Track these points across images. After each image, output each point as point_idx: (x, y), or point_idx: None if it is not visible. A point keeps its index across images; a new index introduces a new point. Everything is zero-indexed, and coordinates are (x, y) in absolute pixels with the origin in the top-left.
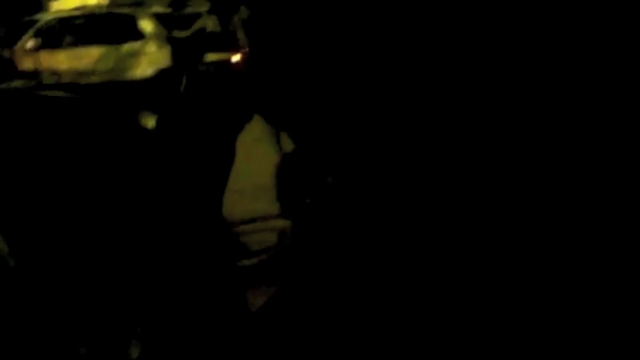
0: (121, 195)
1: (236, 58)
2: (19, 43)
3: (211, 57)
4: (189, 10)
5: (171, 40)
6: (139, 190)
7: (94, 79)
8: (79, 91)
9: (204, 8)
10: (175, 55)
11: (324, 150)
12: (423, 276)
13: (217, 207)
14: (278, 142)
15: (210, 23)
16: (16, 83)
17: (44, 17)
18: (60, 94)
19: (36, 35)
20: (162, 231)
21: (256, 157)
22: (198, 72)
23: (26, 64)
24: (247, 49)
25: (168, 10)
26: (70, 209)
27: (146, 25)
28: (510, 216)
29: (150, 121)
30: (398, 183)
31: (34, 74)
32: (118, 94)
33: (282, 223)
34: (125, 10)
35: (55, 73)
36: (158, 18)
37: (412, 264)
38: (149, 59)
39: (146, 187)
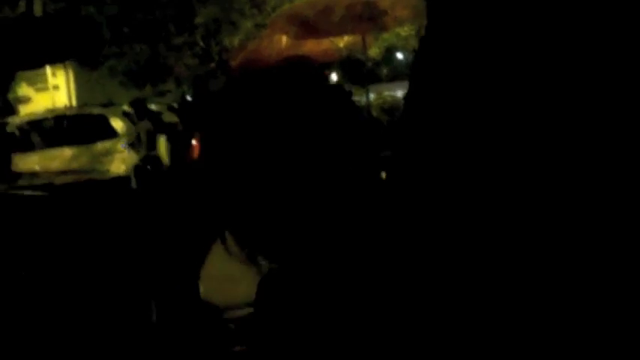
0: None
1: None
2: None
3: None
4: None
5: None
6: (118, 286)
7: (69, 178)
8: (55, 191)
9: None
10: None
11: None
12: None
13: (195, 296)
14: None
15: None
16: None
17: (15, 120)
18: (37, 193)
19: (6, 137)
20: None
21: (218, 285)
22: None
23: None
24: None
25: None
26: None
27: (118, 124)
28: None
29: (126, 215)
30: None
31: (9, 177)
32: (92, 192)
33: None
34: (96, 110)
35: (29, 174)
36: (127, 116)
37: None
38: (122, 157)
39: (125, 281)
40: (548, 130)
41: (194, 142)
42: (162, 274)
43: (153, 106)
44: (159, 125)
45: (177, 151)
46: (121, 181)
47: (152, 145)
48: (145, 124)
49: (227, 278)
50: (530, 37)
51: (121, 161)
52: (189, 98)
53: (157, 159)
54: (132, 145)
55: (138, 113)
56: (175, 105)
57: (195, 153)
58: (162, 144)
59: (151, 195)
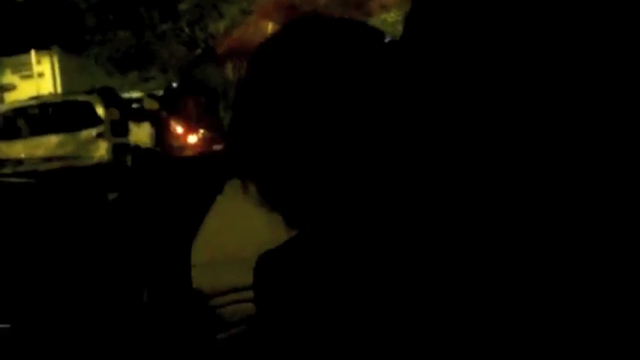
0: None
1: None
2: None
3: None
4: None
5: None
6: (105, 274)
7: (54, 165)
8: (40, 177)
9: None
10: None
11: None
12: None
13: (185, 281)
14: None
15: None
16: None
17: (0, 108)
18: (22, 180)
19: None
20: (126, 314)
21: (228, 225)
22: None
23: None
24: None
25: (124, 94)
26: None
27: (100, 110)
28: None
29: (110, 199)
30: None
31: None
32: (78, 178)
33: None
34: (81, 98)
35: (14, 161)
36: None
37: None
38: (108, 144)
39: (111, 268)
40: (541, 126)
41: (178, 128)
42: (155, 259)
43: (136, 93)
44: (134, 113)
45: (159, 136)
46: (106, 167)
47: (119, 132)
48: (111, 113)
49: (240, 216)
50: (516, 20)
51: (106, 148)
52: (174, 85)
53: (127, 146)
54: (100, 135)
55: (105, 102)
56: (158, 92)
57: (179, 139)
58: (145, 130)
59: (144, 177)
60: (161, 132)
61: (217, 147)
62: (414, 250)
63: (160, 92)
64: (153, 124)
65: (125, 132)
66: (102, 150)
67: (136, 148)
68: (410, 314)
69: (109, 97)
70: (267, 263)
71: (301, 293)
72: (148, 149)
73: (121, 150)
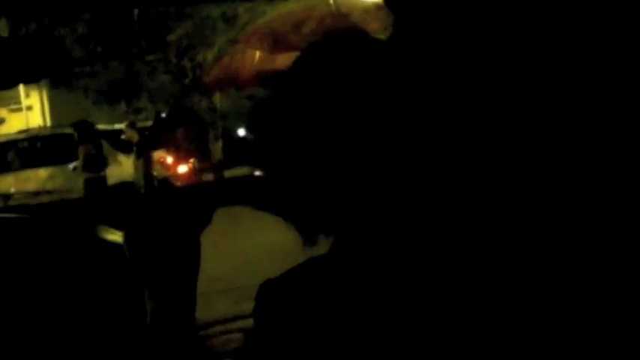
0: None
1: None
2: None
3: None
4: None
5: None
6: (101, 308)
7: (44, 199)
8: (31, 211)
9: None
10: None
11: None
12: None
13: (189, 312)
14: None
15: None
16: None
17: None
18: (12, 215)
19: None
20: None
21: (218, 256)
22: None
23: None
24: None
25: (112, 127)
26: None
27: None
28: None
29: (106, 234)
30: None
31: None
32: (69, 212)
33: (248, 322)
34: (69, 130)
35: (4, 196)
36: (103, 135)
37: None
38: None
39: (109, 303)
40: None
41: (168, 158)
42: (160, 280)
43: (122, 125)
44: (118, 145)
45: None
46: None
47: (93, 167)
48: (85, 148)
49: (230, 246)
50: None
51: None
52: (163, 115)
53: (102, 180)
54: (75, 169)
55: (79, 136)
56: (139, 123)
57: (169, 169)
58: (131, 162)
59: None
60: (148, 163)
61: (207, 177)
62: (421, 283)
63: (149, 123)
64: (139, 156)
65: (101, 166)
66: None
67: (121, 184)
68: (411, 343)
69: (83, 132)
70: (270, 291)
71: (302, 322)
72: (163, 179)
73: (94, 184)
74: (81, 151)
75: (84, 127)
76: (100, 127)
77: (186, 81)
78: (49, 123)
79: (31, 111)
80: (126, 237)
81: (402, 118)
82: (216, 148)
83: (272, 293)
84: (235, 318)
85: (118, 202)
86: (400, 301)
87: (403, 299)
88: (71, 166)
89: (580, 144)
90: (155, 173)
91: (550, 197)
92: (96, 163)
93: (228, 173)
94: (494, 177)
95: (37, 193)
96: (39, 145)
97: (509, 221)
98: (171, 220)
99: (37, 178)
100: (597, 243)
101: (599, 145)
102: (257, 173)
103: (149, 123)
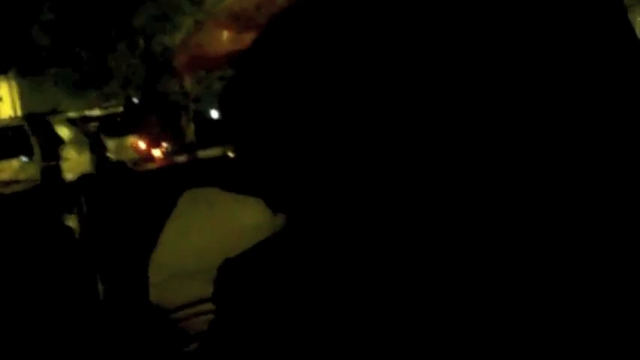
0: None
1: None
2: None
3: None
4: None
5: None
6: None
7: (18, 188)
8: (4, 200)
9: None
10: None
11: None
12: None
13: (144, 297)
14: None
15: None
16: None
17: None
18: None
19: None
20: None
21: (183, 239)
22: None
23: None
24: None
25: (83, 113)
26: None
27: (63, 132)
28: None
29: (72, 222)
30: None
31: None
32: (41, 200)
33: None
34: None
35: None
36: (73, 123)
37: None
38: (69, 164)
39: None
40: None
41: (140, 143)
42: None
43: (96, 112)
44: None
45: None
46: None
47: (47, 157)
48: (37, 139)
49: (195, 228)
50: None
51: (68, 168)
52: (135, 101)
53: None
54: (31, 160)
55: (32, 129)
56: (118, 109)
57: (141, 153)
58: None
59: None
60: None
61: (179, 159)
62: (398, 254)
63: (121, 109)
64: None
65: (54, 156)
66: (65, 170)
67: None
68: (384, 324)
69: (34, 125)
70: (229, 271)
71: (264, 300)
72: (117, 162)
73: (49, 173)
74: (34, 142)
75: (34, 120)
76: (71, 115)
77: (156, 65)
78: (20, 113)
79: (1, 102)
80: (79, 221)
81: (375, 95)
82: (189, 131)
83: (231, 273)
84: (202, 300)
85: (74, 189)
86: (358, 274)
87: (361, 273)
88: (24, 159)
89: (580, 144)
90: (129, 158)
91: (550, 197)
92: (49, 153)
93: (202, 154)
94: (477, 168)
95: (8, 183)
96: (10, 135)
97: (505, 219)
98: (125, 203)
99: (10, 168)
100: (597, 243)
101: (599, 145)
102: (230, 154)
103: (120, 109)
